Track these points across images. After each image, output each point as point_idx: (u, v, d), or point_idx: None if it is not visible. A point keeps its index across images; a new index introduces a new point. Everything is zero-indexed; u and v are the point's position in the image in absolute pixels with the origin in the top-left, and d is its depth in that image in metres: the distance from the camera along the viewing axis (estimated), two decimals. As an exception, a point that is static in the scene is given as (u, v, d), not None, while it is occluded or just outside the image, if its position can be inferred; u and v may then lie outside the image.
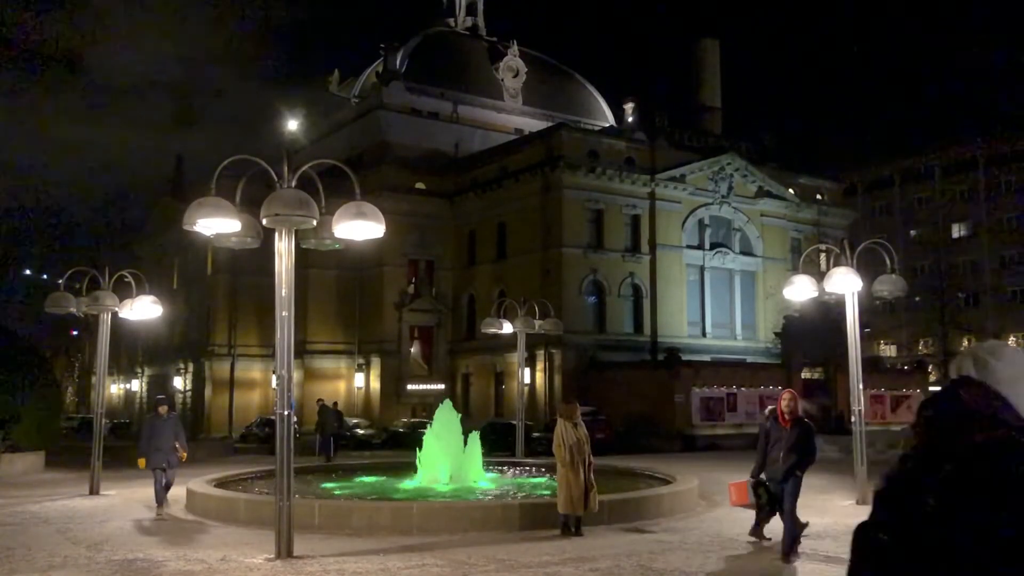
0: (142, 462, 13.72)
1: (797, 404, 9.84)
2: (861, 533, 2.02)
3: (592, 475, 11.64)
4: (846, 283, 15.61)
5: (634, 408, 37.46)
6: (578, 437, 11.68)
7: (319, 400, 29.97)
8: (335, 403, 32.07)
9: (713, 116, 57.92)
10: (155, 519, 13.31)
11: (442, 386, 48.10)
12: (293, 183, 10.44)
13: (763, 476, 9.84)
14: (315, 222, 10.38)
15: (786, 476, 9.70)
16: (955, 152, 68.04)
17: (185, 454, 14.04)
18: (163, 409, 13.93)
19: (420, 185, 51.04)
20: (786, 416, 9.81)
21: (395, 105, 55.31)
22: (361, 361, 49.69)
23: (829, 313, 34.50)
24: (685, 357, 40.08)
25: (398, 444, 34.28)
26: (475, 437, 16.76)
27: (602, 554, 10.27)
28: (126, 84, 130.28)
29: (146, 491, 16.91)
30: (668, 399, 37.40)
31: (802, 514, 13.80)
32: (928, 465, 1.91)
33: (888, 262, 16.04)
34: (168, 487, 13.82)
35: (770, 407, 10.28)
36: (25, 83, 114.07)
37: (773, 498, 9.78)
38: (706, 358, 43.02)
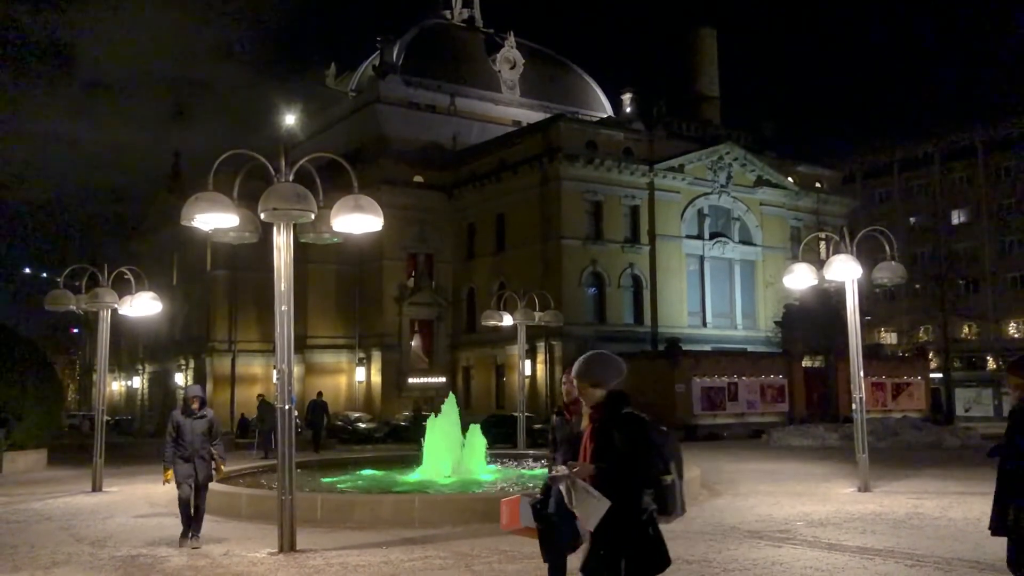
0: (169, 474, 10.49)
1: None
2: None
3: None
4: (846, 271, 15.59)
5: (635, 398, 37.29)
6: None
7: (259, 395, 29.95)
8: (319, 393, 32.19)
9: (711, 105, 57.80)
10: (189, 552, 10.12)
11: (443, 379, 48.16)
12: (291, 177, 10.40)
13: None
14: (313, 216, 10.34)
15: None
16: (954, 138, 67.93)
17: (224, 466, 11.10)
18: (195, 405, 10.55)
19: (418, 178, 50.98)
20: (569, 407, 6.48)
21: (392, 98, 55.19)
22: (362, 355, 49.72)
23: (829, 301, 34.57)
24: (685, 347, 40.14)
25: (399, 438, 34.34)
26: (476, 430, 16.74)
27: (604, 544, 10.26)
28: (122, 79, 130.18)
29: (148, 488, 16.98)
30: (669, 389, 37.43)
31: (803, 502, 13.85)
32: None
33: (888, 249, 16.02)
34: (200, 512, 10.55)
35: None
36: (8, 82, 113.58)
37: (560, 531, 5.42)
38: (707, 348, 43.13)
